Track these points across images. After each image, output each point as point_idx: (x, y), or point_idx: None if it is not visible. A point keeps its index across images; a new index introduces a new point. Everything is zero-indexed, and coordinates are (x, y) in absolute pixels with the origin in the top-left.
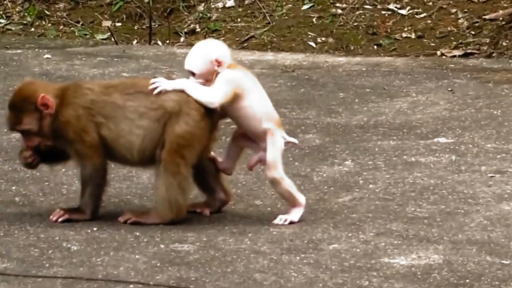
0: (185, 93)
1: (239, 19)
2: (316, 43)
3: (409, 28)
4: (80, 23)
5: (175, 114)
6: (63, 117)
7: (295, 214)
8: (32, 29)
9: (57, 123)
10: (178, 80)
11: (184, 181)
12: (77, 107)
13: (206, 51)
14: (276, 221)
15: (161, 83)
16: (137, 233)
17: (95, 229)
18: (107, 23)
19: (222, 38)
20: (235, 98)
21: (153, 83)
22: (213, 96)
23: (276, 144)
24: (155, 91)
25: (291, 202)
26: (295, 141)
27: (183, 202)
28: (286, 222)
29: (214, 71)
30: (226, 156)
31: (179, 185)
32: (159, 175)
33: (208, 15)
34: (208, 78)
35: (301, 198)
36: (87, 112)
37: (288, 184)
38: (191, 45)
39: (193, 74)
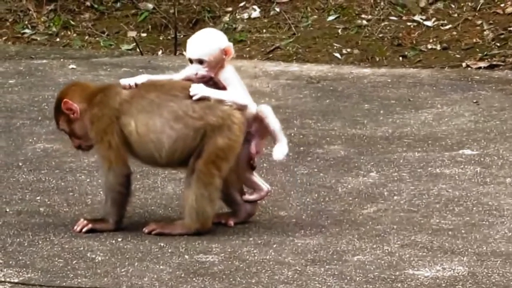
0: (228, 107)
1: (264, 30)
2: (341, 54)
3: (435, 39)
4: (106, 34)
5: (217, 127)
6: (88, 117)
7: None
8: (58, 40)
9: (85, 122)
10: (213, 90)
11: (215, 192)
12: (103, 107)
13: (215, 39)
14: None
15: (200, 90)
16: (162, 244)
17: (119, 239)
18: (132, 34)
19: (248, 49)
20: None
21: (192, 89)
22: (247, 99)
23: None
24: (194, 98)
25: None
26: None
27: (210, 213)
28: None
29: (221, 60)
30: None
31: (209, 196)
32: (190, 185)
33: (234, 25)
34: (214, 67)
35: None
36: (113, 113)
37: None
38: None
39: (200, 62)
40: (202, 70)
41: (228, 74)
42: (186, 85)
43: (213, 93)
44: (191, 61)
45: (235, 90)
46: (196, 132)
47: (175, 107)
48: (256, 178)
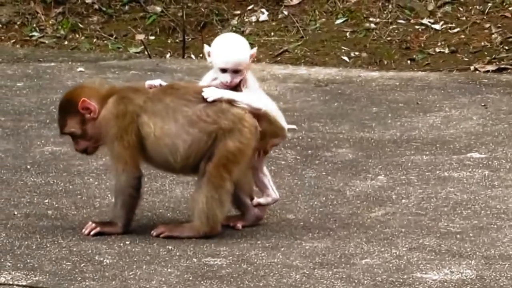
0: (240, 110)
1: (272, 33)
2: (349, 58)
3: (443, 43)
4: (114, 36)
5: (228, 131)
6: (110, 110)
7: None
8: (66, 42)
9: (101, 117)
10: (227, 91)
11: (226, 196)
12: (129, 103)
13: (246, 46)
14: None
15: (214, 93)
16: (170, 247)
17: (127, 242)
18: (140, 37)
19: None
20: None
21: (205, 92)
22: (260, 102)
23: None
24: (209, 100)
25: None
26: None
27: (220, 217)
28: None
29: (249, 66)
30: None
31: (220, 199)
32: (201, 187)
33: (242, 29)
34: (242, 72)
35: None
36: (136, 110)
37: None
38: None
39: (236, 71)
40: (237, 78)
41: (247, 77)
42: (199, 89)
43: (226, 94)
44: (224, 70)
45: (250, 93)
46: (209, 136)
47: (189, 112)
48: (269, 182)
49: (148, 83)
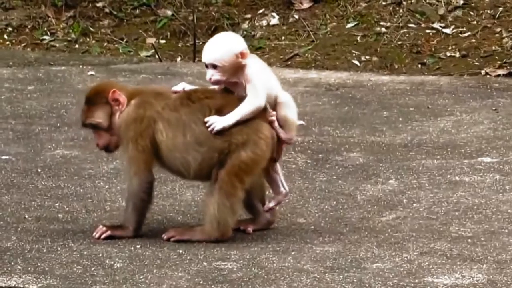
0: (256, 122)
1: (283, 37)
2: (360, 62)
3: (454, 47)
4: (124, 40)
5: (242, 143)
6: (130, 113)
7: None
8: (76, 46)
9: (120, 119)
10: (231, 115)
11: (237, 203)
12: (149, 107)
13: (229, 43)
14: None
15: (217, 123)
16: (180, 251)
17: (138, 246)
18: (151, 40)
19: (266, 56)
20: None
21: (208, 123)
22: (258, 101)
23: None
24: (213, 132)
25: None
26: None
27: (231, 223)
28: None
29: (237, 64)
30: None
31: (231, 206)
32: (212, 193)
33: (252, 33)
34: (229, 72)
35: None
36: (154, 116)
37: None
38: None
39: (214, 67)
40: (216, 75)
41: (249, 71)
42: (218, 106)
43: (229, 120)
44: (206, 65)
45: (252, 90)
46: (220, 152)
47: (196, 131)
48: (279, 177)
49: (173, 89)
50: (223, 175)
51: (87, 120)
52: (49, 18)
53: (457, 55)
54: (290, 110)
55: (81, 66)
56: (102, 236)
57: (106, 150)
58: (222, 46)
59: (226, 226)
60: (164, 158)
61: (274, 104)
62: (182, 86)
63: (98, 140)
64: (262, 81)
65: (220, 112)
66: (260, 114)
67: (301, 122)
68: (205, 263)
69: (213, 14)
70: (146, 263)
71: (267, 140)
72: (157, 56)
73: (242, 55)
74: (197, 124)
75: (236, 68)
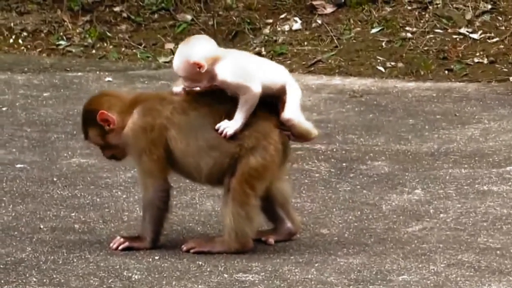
0: (265, 127)
1: (305, 43)
2: (385, 68)
3: (481, 53)
4: (142, 46)
5: (251, 148)
6: (137, 123)
7: None
8: (93, 51)
9: (127, 130)
10: (237, 117)
11: (252, 211)
12: (157, 115)
13: (184, 54)
14: None
15: (228, 127)
16: (200, 262)
17: (156, 257)
18: (170, 46)
19: (288, 62)
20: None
21: (220, 130)
22: (249, 92)
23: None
24: (227, 137)
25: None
26: None
27: (250, 232)
28: None
29: (200, 73)
30: None
31: (246, 215)
32: (227, 203)
33: (274, 38)
34: (196, 79)
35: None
36: (164, 122)
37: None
38: None
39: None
40: (188, 84)
41: (221, 74)
42: (226, 110)
43: (238, 122)
44: None
45: (237, 87)
46: (232, 157)
47: (208, 136)
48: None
49: (173, 90)
50: (234, 184)
51: (85, 138)
52: (65, 23)
53: (485, 61)
54: (293, 96)
55: (98, 72)
56: (120, 247)
57: (115, 159)
58: (179, 57)
59: (245, 236)
60: (176, 163)
61: (278, 92)
62: (183, 86)
63: (103, 153)
64: (242, 73)
65: (230, 116)
66: (270, 118)
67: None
68: (225, 275)
69: (234, 18)
70: (165, 275)
71: (277, 145)
72: None
73: (198, 65)
74: (208, 129)
75: (202, 76)
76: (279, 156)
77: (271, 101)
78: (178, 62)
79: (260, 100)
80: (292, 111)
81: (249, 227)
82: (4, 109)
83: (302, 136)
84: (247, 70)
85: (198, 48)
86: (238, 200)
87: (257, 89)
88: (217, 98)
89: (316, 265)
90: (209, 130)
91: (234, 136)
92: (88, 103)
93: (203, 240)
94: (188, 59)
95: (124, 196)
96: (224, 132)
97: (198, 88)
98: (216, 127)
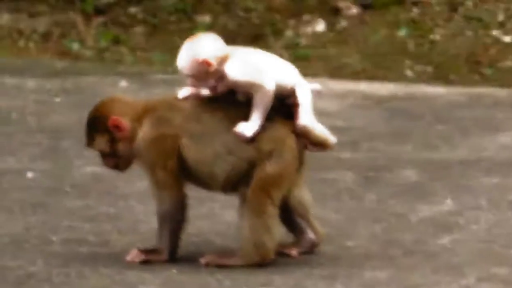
0: (282, 132)
1: (330, 46)
2: (413, 72)
3: None
4: (159, 49)
5: (268, 153)
6: (148, 134)
7: None
8: (107, 55)
9: (139, 142)
10: (253, 117)
11: (271, 221)
12: (168, 125)
13: (192, 52)
14: None
15: (246, 130)
16: (220, 276)
17: (174, 271)
18: None
19: (312, 66)
20: None
21: (238, 132)
22: (263, 91)
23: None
24: (246, 139)
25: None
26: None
27: (270, 244)
28: None
29: (208, 72)
30: None
31: (265, 225)
32: (244, 215)
33: (297, 41)
34: (203, 79)
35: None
36: (177, 132)
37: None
38: None
39: (189, 76)
40: (192, 83)
41: (230, 73)
42: (240, 114)
43: (255, 123)
44: None
45: (249, 86)
46: (249, 162)
47: (226, 140)
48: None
49: (180, 95)
50: (250, 194)
51: (89, 146)
52: (78, 25)
53: None
54: (306, 100)
55: (112, 77)
56: (136, 260)
57: (116, 169)
58: (186, 55)
59: (265, 248)
60: (189, 172)
61: (289, 93)
62: (189, 90)
63: (103, 163)
64: (253, 71)
65: (246, 119)
66: (286, 123)
67: (317, 86)
68: None
69: (255, 20)
70: None
71: (293, 151)
72: None
73: (207, 63)
74: (225, 133)
75: (210, 75)
76: (295, 162)
77: (284, 105)
78: (185, 60)
79: (272, 104)
80: (306, 117)
81: (268, 237)
82: (14, 115)
83: (319, 144)
84: (258, 67)
85: (206, 46)
86: (255, 210)
87: (270, 86)
88: (231, 102)
89: (341, 279)
90: (225, 134)
91: (251, 140)
92: (98, 108)
93: (222, 253)
94: (196, 57)
95: (140, 206)
96: (243, 134)
97: (204, 90)
98: (234, 130)
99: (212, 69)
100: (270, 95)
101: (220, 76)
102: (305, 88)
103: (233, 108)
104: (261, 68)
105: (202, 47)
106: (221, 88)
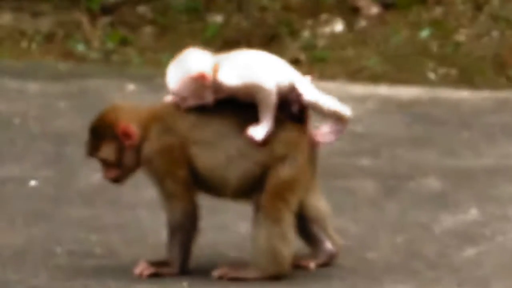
0: (294, 135)
1: (348, 47)
2: (436, 75)
3: None
4: (169, 50)
5: (281, 157)
6: (155, 145)
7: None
8: (114, 57)
9: (146, 153)
10: (262, 120)
11: (287, 228)
12: (174, 134)
13: (182, 70)
14: None
15: (257, 132)
16: None
17: (185, 284)
18: None
19: (330, 68)
20: None
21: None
22: (264, 90)
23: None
24: (258, 142)
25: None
26: None
27: (287, 253)
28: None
29: (204, 87)
30: None
31: (281, 233)
32: (259, 223)
33: (314, 42)
34: (200, 96)
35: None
36: (183, 141)
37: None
38: None
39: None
40: (190, 103)
41: (226, 80)
42: (249, 118)
43: (265, 124)
44: None
45: (251, 87)
46: (262, 166)
47: (238, 144)
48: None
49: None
50: (265, 201)
51: (93, 154)
52: (83, 25)
53: None
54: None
55: (119, 80)
56: (145, 274)
57: (115, 182)
58: (176, 75)
59: (282, 258)
60: (200, 179)
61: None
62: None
63: (105, 173)
64: (248, 73)
65: (255, 122)
66: (298, 126)
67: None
68: None
69: (270, 20)
70: None
71: (304, 154)
72: None
73: (202, 77)
74: (236, 136)
75: (206, 89)
76: (307, 165)
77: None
78: (176, 80)
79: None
80: (310, 92)
81: (285, 246)
82: (16, 120)
83: (333, 117)
84: (252, 68)
85: (195, 60)
86: (271, 218)
87: (270, 84)
88: (238, 106)
89: None
90: (237, 138)
91: (263, 143)
92: (104, 114)
93: (237, 265)
94: (188, 74)
95: (149, 216)
96: (254, 137)
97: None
98: (245, 133)
99: (208, 82)
100: (272, 94)
101: (215, 88)
102: (305, 82)
103: (242, 112)
104: (255, 69)
105: (190, 62)
106: (220, 98)
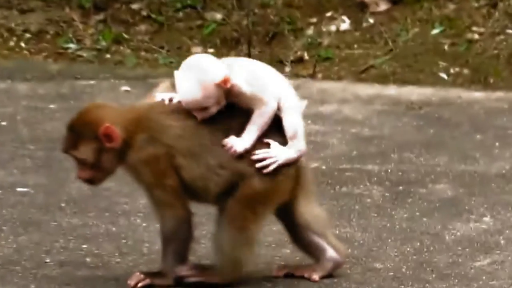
0: None
1: (355, 45)
2: (448, 75)
3: None
4: (165, 49)
5: (258, 169)
6: (141, 155)
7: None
8: (108, 56)
9: (132, 162)
10: (247, 133)
11: (252, 236)
12: (159, 145)
13: (202, 78)
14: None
15: (236, 144)
16: None
17: None
18: (197, 49)
19: (336, 68)
20: None
21: (227, 146)
22: (267, 106)
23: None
24: (235, 154)
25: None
26: None
27: (246, 262)
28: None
29: (225, 92)
30: None
31: (245, 241)
32: (222, 227)
33: (319, 40)
34: (218, 102)
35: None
36: (167, 153)
37: None
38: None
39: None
40: (210, 112)
41: (241, 84)
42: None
43: (249, 138)
44: None
45: (255, 99)
46: (241, 176)
47: (219, 154)
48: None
49: (159, 96)
50: (232, 205)
51: (70, 152)
52: (75, 23)
53: None
54: (294, 117)
55: (113, 80)
56: (139, 285)
57: (89, 183)
58: (196, 84)
59: (242, 265)
60: (185, 186)
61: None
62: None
63: (80, 173)
64: (256, 83)
65: (243, 130)
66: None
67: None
68: None
69: (272, 17)
70: None
71: (287, 170)
72: None
73: (224, 82)
74: (219, 146)
75: (222, 94)
76: (289, 180)
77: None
78: (196, 89)
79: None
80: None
81: (247, 254)
82: (4, 123)
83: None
84: (261, 79)
85: (212, 65)
86: (236, 225)
87: (272, 105)
88: (226, 113)
89: None
90: (220, 148)
91: (244, 154)
92: (87, 112)
93: (201, 267)
94: (210, 81)
95: (144, 224)
96: (232, 150)
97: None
98: (223, 142)
99: (229, 85)
100: (271, 113)
101: (227, 93)
102: (293, 103)
103: (229, 120)
104: (265, 83)
105: (207, 68)
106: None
